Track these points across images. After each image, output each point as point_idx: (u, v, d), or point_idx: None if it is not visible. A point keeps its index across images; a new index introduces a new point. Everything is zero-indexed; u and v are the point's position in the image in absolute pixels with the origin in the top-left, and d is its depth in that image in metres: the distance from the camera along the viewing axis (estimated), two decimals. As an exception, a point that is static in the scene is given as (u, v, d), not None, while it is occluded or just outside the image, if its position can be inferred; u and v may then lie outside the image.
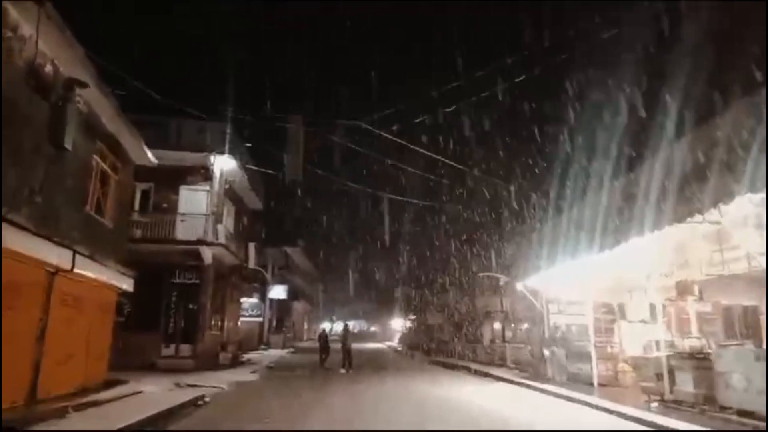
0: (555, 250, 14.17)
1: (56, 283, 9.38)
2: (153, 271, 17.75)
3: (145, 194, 18.90)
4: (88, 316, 11.22)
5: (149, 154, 14.02)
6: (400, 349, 41.05)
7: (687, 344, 11.02)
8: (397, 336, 48.37)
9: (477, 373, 19.39)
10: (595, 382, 13.27)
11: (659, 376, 10.75)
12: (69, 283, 10.06)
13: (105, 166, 12.10)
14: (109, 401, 9.86)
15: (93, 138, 11.10)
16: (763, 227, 8.22)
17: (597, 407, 10.67)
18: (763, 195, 7.34)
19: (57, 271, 9.28)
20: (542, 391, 13.36)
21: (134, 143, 13.09)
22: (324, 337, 21.61)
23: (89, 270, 10.26)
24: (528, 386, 14.16)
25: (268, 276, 32.76)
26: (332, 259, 64.65)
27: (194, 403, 10.96)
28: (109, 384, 11.90)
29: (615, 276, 14.19)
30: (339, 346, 20.74)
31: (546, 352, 15.59)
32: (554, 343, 14.24)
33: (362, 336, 58.12)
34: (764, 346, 9.55)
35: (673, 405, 10.08)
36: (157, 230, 18.39)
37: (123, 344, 16.18)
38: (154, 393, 11.55)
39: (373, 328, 74.58)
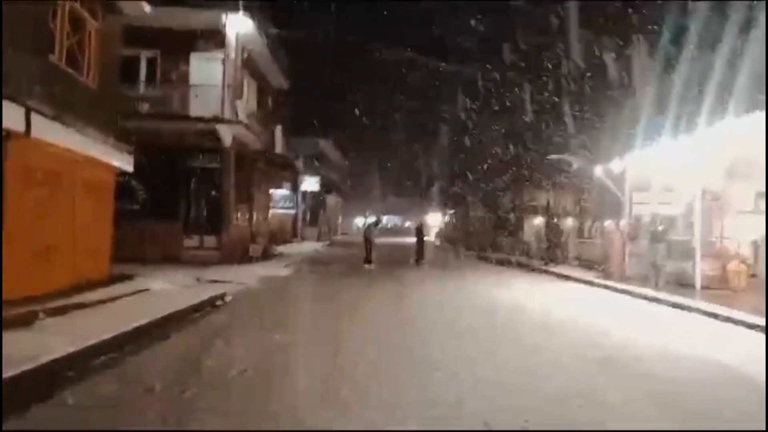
0: (659, 122, 11.09)
1: (11, 151, 6.97)
2: (166, 153, 15.53)
3: (150, 63, 16.02)
4: (73, 198, 8.97)
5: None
6: (438, 244, 39.28)
7: None
8: (434, 231, 46.42)
9: (536, 270, 17.11)
10: (698, 284, 10.75)
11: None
12: (34, 153, 7.68)
13: (78, 6, 9.22)
14: (99, 302, 7.82)
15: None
16: None
17: (728, 319, 8.11)
18: None
19: (7, 134, 6.83)
20: (634, 294, 10.93)
21: (118, -20, 10.08)
22: (369, 230, 18.24)
23: (57, 136, 7.77)
24: (618, 290, 11.69)
25: (300, 164, 30.35)
26: (365, 151, 61.36)
27: (212, 303, 8.97)
28: (112, 280, 9.97)
29: (734, 154, 11.10)
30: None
31: (627, 249, 13.17)
32: (649, 237, 11.52)
33: (396, 231, 56.44)
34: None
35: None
36: (168, 105, 15.75)
37: (141, 234, 14.54)
38: (163, 291, 9.56)
39: (408, 224, 73.25)
